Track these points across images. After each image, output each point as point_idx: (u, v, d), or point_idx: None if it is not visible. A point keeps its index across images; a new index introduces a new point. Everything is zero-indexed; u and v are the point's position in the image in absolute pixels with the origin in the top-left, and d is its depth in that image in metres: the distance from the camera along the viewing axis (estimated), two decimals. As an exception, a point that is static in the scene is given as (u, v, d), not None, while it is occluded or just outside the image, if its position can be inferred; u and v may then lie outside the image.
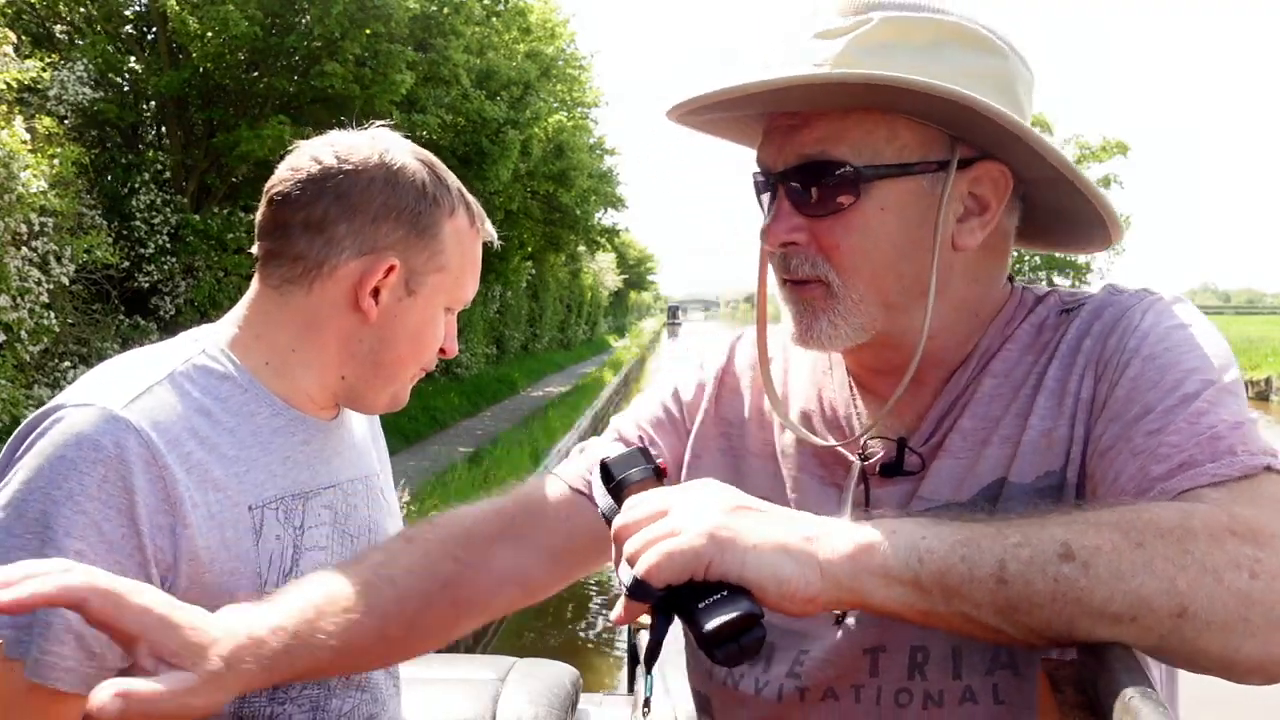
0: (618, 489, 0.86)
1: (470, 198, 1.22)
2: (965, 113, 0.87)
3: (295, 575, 1.09)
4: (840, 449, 1.00)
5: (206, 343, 1.14)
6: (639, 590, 0.73)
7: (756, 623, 0.70)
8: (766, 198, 0.98)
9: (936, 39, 0.90)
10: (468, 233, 1.20)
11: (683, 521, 0.75)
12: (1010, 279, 1.03)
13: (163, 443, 1.00)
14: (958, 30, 0.91)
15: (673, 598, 0.73)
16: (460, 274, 1.20)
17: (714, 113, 0.98)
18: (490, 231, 1.25)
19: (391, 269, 1.13)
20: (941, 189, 0.91)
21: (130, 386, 1.03)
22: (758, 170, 0.98)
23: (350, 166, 1.12)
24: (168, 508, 0.99)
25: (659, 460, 0.88)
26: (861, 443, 0.99)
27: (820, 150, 0.91)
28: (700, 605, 0.71)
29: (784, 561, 0.72)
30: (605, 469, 0.88)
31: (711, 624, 0.69)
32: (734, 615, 0.69)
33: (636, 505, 0.79)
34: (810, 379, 1.09)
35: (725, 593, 0.71)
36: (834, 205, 0.91)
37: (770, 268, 1.01)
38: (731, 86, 0.88)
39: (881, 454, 0.98)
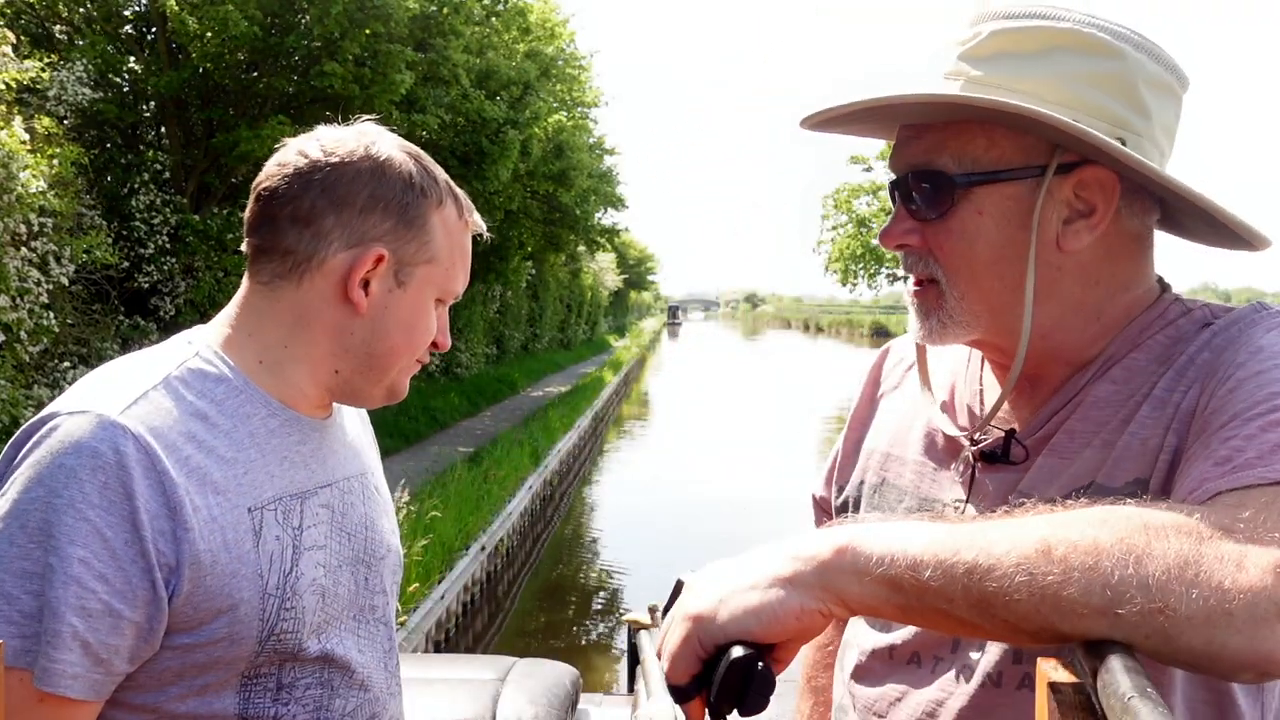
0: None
1: (458, 190, 1.23)
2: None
3: (295, 575, 1.09)
4: (957, 436, 1.07)
5: (200, 345, 1.13)
6: (676, 694, 0.77)
7: (754, 664, 0.75)
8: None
9: (1048, 46, 0.94)
10: (456, 224, 1.20)
11: (672, 622, 0.81)
12: (1164, 287, 1.03)
13: (160, 447, 1.00)
14: (1071, 36, 0.94)
15: (704, 684, 0.77)
16: (450, 265, 1.20)
17: (851, 125, 1.06)
18: (479, 223, 1.26)
19: (380, 259, 1.13)
20: (1041, 192, 0.95)
21: (126, 392, 1.03)
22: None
23: (336, 159, 1.13)
24: (168, 513, 0.99)
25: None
26: (976, 431, 1.05)
27: (926, 160, 0.98)
28: (713, 678, 0.76)
29: (751, 598, 0.77)
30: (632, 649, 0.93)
31: (716, 689, 0.75)
32: (724, 670, 0.75)
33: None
34: (950, 371, 1.15)
35: (726, 654, 0.76)
36: (936, 211, 0.98)
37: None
38: (830, 108, 0.99)
39: (990, 441, 1.03)
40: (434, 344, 1.22)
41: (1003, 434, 1.02)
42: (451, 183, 1.22)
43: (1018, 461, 1.00)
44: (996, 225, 0.96)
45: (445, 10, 12.97)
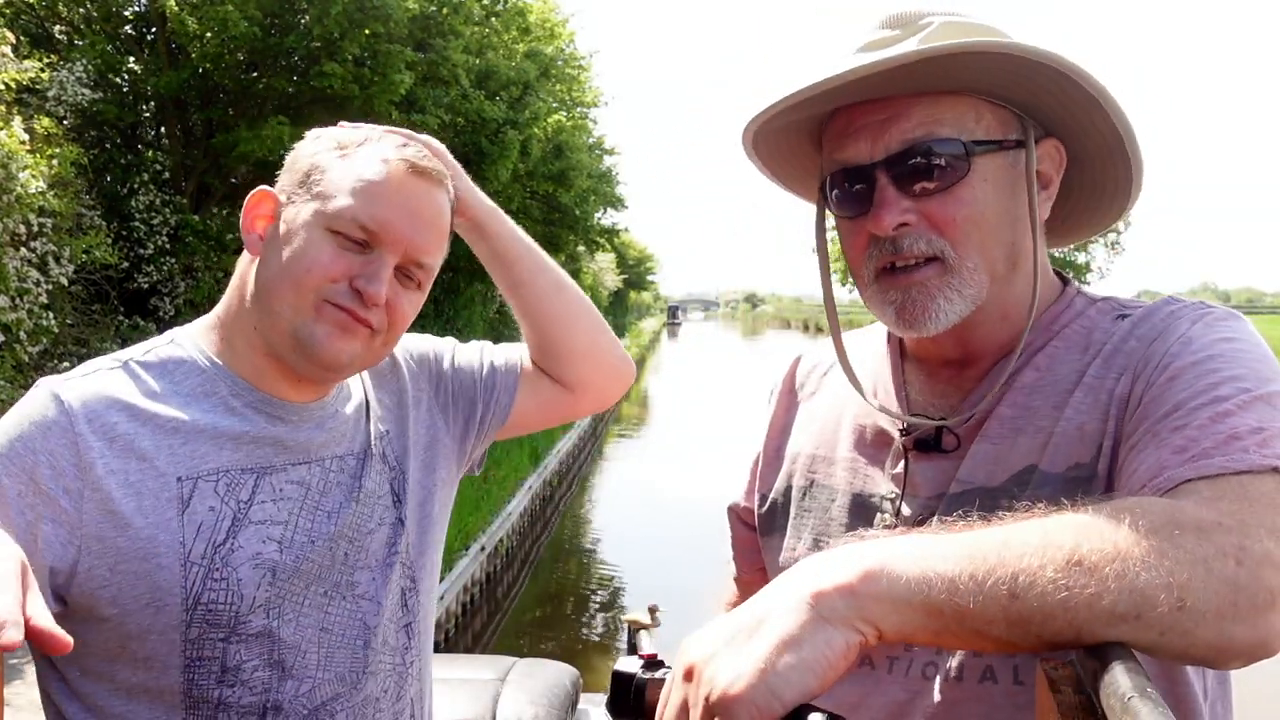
0: (639, 697, 0.88)
1: (410, 144, 1.21)
2: (1033, 94, 0.96)
3: (230, 547, 1.12)
4: (887, 428, 1.08)
5: (180, 334, 1.22)
6: None
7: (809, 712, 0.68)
8: (848, 195, 1.02)
9: (996, 36, 0.96)
10: (375, 165, 1.15)
11: (705, 712, 0.71)
12: (1063, 278, 1.08)
13: (84, 415, 1.09)
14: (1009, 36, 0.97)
15: None
16: (345, 194, 1.13)
17: (784, 119, 1.03)
18: (424, 161, 1.19)
19: (269, 199, 1.17)
20: (1026, 163, 0.99)
21: (82, 370, 1.15)
22: (840, 171, 1.02)
23: (302, 140, 1.20)
24: (77, 471, 1.07)
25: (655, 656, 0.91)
26: (904, 421, 1.06)
27: (926, 132, 0.97)
28: None
29: (797, 656, 0.69)
30: (621, 683, 0.90)
31: None
32: None
33: (666, 701, 0.76)
34: (871, 372, 1.16)
35: None
36: (946, 181, 0.97)
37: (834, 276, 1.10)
38: (830, 76, 0.93)
39: (921, 431, 1.04)
40: (360, 293, 1.12)
41: (933, 424, 1.03)
42: (399, 139, 1.21)
43: (949, 450, 1.02)
44: (998, 194, 0.99)
45: (445, 10, 12.97)
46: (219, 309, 1.22)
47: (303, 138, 1.22)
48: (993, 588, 0.70)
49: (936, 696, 0.95)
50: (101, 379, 1.13)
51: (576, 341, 1.41)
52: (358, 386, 1.30)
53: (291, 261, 1.12)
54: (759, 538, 1.22)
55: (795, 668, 0.69)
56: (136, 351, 1.19)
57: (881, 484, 1.07)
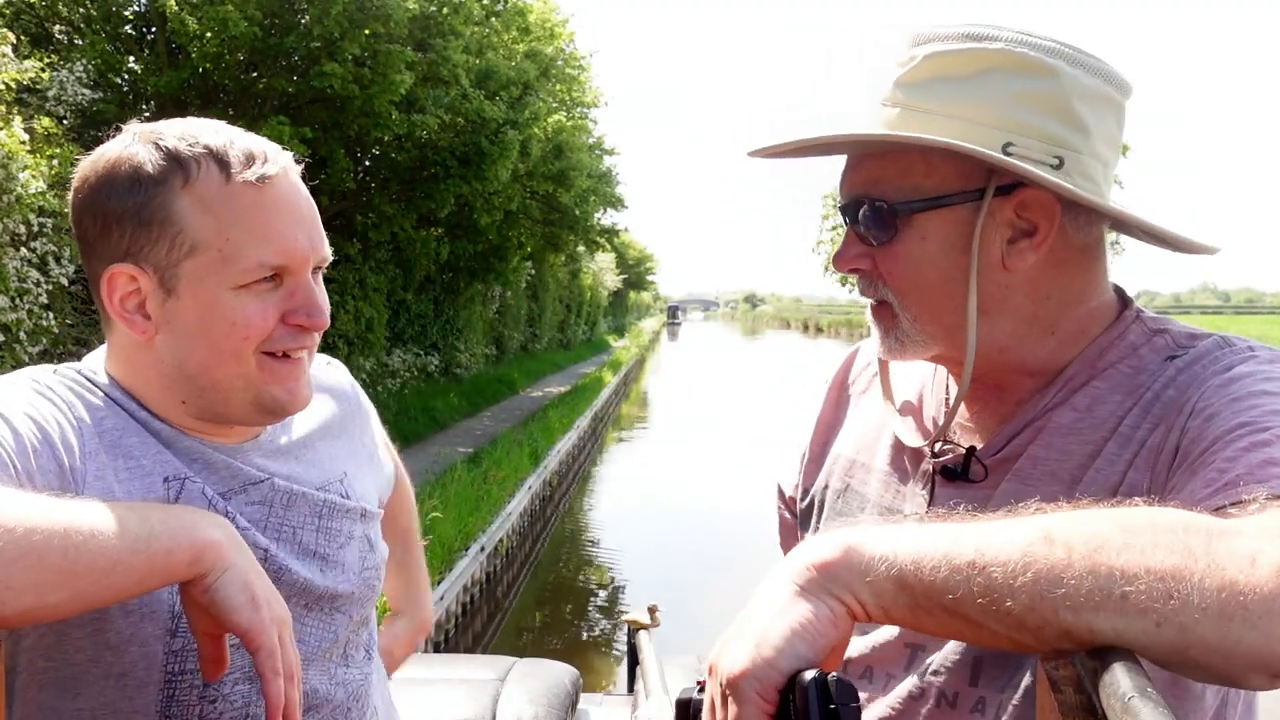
0: (697, 717, 0.89)
1: (230, 144, 1.02)
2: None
3: None
4: (920, 446, 1.07)
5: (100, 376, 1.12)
6: None
7: (826, 680, 0.72)
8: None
9: (982, 68, 0.94)
10: (223, 190, 1.00)
11: (718, 696, 0.77)
12: (1123, 298, 1.04)
13: (81, 401, 1.03)
14: (1003, 57, 0.94)
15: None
16: (229, 241, 1.00)
17: (801, 153, 1.06)
18: (265, 168, 1.02)
19: (132, 278, 1.01)
20: (980, 216, 0.96)
21: (62, 367, 1.08)
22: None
23: (75, 182, 1.04)
24: (80, 454, 0.99)
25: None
26: (935, 444, 1.05)
27: (866, 189, 0.99)
28: (795, 714, 0.73)
29: (785, 623, 0.75)
30: (681, 709, 0.90)
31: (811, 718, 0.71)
32: (811, 696, 0.71)
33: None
34: (919, 378, 1.15)
35: (797, 685, 0.73)
36: (881, 238, 0.99)
37: None
38: (765, 147, 1.02)
39: (950, 457, 1.03)
40: (300, 326, 1.04)
41: (964, 450, 1.02)
42: (217, 142, 1.02)
43: (977, 480, 1.01)
44: (941, 249, 0.97)
45: (445, 10, 12.96)
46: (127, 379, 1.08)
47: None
48: (958, 559, 0.71)
49: (922, 718, 0.96)
50: (78, 376, 1.06)
51: None
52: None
53: (213, 336, 1.01)
54: (798, 529, 1.23)
55: (785, 636, 0.74)
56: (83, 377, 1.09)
57: (909, 502, 1.06)
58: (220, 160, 1.01)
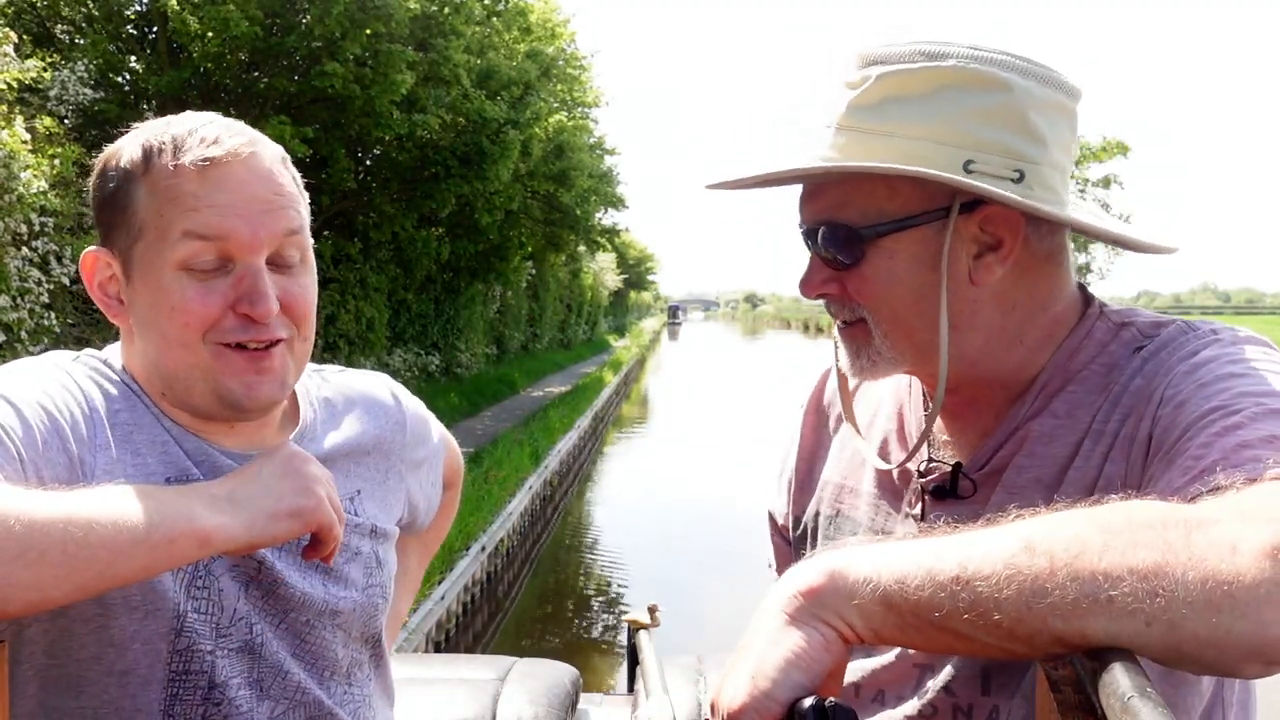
0: None
1: (197, 129, 1.03)
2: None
3: (209, 560, 1.04)
4: (904, 468, 1.06)
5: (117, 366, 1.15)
6: None
7: (824, 705, 0.73)
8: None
9: (935, 86, 0.94)
10: (170, 173, 1.00)
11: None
12: (1087, 299, 1.05)
13: (98, 391, 1.05)
14: (956, 74, 0.94)
15: None
16: (163, 220, 1.00)
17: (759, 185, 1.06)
18: (216, 149, 1.01)
19: (96, 261, 1.08)
20: (949, 234, 0.97)
21: (82, 354, 1.10)
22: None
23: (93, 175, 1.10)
24: (90, 446, 1.00)
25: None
26: (921, 463, 1.05)
27: (828, 215, 0.99)
28: None
29: (779, 652, 0.75)
30: None
31: None
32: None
33: None
34: (896, 398, 1.15)
35: (797, 712, 0.74)
36: (848, 261, 0.99)
37: None
38: (727, 181, 1.04)
39: (937, 476, 1.03)
40: (246, 316, 1.02)
41: (949, 467, 1.03)
42: (182, 130, 1.03)
43: (966, 496, 1.01)
44: (909, 269, 0.98)
45: (446, 10, 12.97)
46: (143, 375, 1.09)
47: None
48: (941, 575, 0.71)
49: None
50: (100, 365, 1.08)
51: None
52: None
53: (159, 321, 1.02)
54: (793, 555, 1.23)
55: (779, 667, 0.74)
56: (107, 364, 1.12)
57: (899, 524, 1.06)
58: (177, 146, 1.01)
